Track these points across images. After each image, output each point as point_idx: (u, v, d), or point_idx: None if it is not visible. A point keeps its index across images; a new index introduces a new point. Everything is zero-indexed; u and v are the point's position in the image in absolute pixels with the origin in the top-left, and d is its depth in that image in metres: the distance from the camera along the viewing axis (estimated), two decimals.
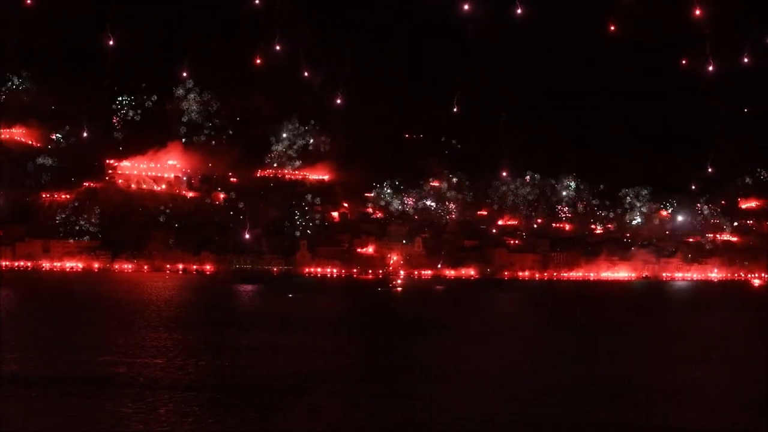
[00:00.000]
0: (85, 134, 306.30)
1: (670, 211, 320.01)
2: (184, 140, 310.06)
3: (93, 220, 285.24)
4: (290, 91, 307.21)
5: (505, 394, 77.16)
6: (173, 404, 71.69)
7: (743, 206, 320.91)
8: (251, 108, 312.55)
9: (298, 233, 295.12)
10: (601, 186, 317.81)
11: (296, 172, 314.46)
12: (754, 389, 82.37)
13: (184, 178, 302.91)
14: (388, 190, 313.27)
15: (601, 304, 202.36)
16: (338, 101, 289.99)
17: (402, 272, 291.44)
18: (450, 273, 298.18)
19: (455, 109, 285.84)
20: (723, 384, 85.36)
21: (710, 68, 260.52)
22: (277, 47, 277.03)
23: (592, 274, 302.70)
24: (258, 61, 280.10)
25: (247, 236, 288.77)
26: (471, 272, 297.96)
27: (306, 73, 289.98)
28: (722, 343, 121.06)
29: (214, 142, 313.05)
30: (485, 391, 78.33)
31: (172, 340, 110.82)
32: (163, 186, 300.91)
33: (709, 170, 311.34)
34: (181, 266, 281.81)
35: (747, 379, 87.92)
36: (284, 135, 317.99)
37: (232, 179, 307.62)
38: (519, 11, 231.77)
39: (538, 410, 71.04)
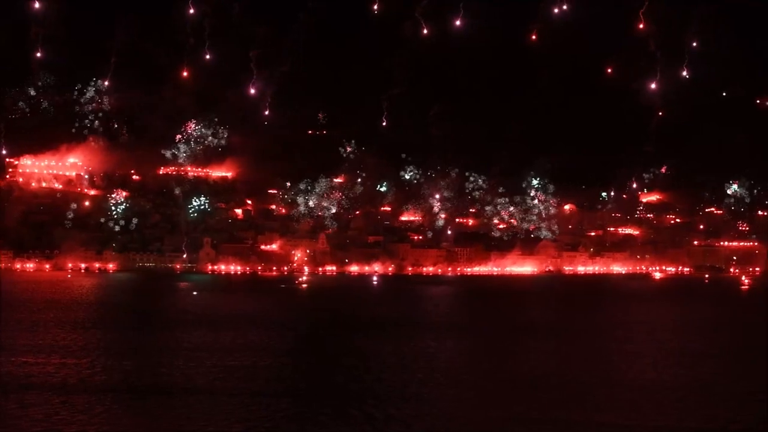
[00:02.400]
0: None
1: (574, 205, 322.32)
2: (85, 138, 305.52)
3: None
4: (196, 88, 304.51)
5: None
6: (85, 405, 69.39)
7: (644, 200, 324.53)
8: (155, 105, 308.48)
9: (201, 231, 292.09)
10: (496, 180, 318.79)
11: (199, 169, 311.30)
12: (672, 381, 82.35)
13: (86, 176, 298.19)
14: (292, 187, 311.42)
15: (514, 300, 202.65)
16: (249, 99, 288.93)
17: (306, 269, 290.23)
18: (354, 269, 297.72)
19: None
20: (636, 376, 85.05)
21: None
22: (189, 42, 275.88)
23: (495, 269, 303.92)
24: (165, 57, 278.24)
25: (150, 234, 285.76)
26: (375, 268, 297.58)
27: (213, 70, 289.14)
28: (639, 336, 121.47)
29: (116, 139, 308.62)
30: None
31: (82, 340, 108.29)
32: (65, 184, 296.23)
33: (614, 166, 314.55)
34: (83, 265, 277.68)
35: (668, 372, 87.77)
36: (187, 132, 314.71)
37: (134, 177, 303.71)
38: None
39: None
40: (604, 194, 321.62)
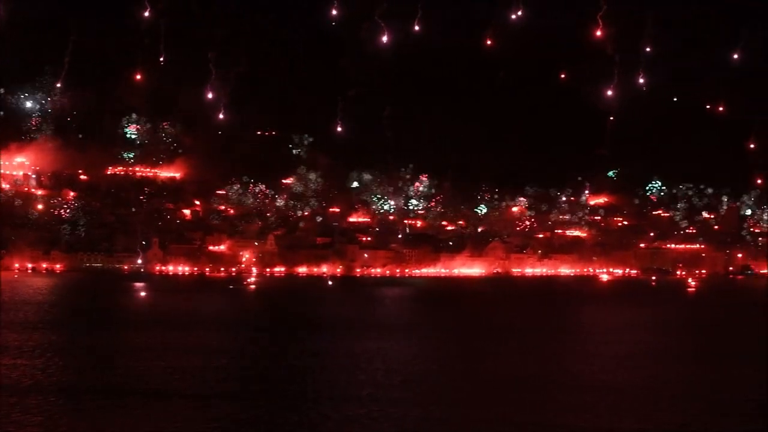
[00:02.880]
0: None
1: (524, 207, 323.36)
2: (33, 137, 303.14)
3: None
4: (150, 89, 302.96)
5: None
6: (39, 407, 68.81)
7: (592, 203, 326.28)
8: (106, 105, 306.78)
9: (149, 231, 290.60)
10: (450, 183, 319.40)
11: (147, 169, 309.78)
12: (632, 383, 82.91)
13: (33, 176, 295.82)
14: (241, 188, 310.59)
15: (465, 301, 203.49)
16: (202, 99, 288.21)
17: (254, 270, 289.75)
18: (303, 270, 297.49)
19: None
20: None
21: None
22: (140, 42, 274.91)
23: (444, 271, 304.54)
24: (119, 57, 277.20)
25: (98, 234, 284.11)
26: (324, 269, 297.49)
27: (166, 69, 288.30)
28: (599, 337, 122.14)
29: (63, 139, 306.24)
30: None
31: (33, 340, 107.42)
32: (11, 184, 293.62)
33: (563, 168, 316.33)
34: (30, 265, 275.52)
35: (621, 373, 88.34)
36: (137, 133, 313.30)
37: (82, 177, 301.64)
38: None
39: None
40: (556, 196, 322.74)
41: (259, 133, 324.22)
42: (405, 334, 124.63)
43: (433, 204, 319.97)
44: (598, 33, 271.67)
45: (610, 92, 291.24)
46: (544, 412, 68.70)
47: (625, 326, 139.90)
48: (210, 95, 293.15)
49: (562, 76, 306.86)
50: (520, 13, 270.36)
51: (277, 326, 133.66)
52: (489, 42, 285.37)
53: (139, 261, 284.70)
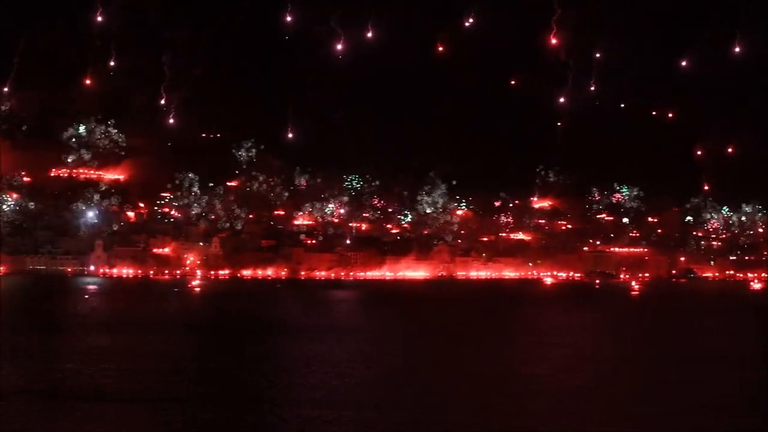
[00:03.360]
0: None
1: (469, 210, 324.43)
2: None
3: None
4: (99, 91, 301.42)
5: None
6: None
7: (536, 206, 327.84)
8: (53, 106, 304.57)
9: (93, 234, 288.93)
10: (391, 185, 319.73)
11: (92, 171, 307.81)
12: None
13: None
14: (186, 190, 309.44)
15: (412, 304, 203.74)
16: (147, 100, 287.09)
17: (199, 272, 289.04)
18: (248, 273, 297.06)
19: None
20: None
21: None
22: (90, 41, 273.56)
23: (389, 274, 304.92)
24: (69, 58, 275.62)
25: (42, 237, 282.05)
26: (269, 272, 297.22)
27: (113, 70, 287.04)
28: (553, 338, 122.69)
29: (10, 140, 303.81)
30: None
31: None
32: None
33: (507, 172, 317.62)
34: None
35: (567, 375, 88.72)
36: (81, 134, 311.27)
37: (25, 179, 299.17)
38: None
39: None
40: (501, 199, 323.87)
41: (204, 135, 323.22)
42: (354, 336, 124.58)
43: (378, 206, 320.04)
44: (551, 40, 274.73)
45: (559, 98, 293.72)
46: (496, 416, 68.82)
47: (571, 329, 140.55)
48: (158, 98, 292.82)
49: (513, 82, 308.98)
50: (472, 20, 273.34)
51: (226, 329, 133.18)
52: (441, 48, 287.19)
53: (84, 263, 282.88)
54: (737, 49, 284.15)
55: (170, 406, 70.74)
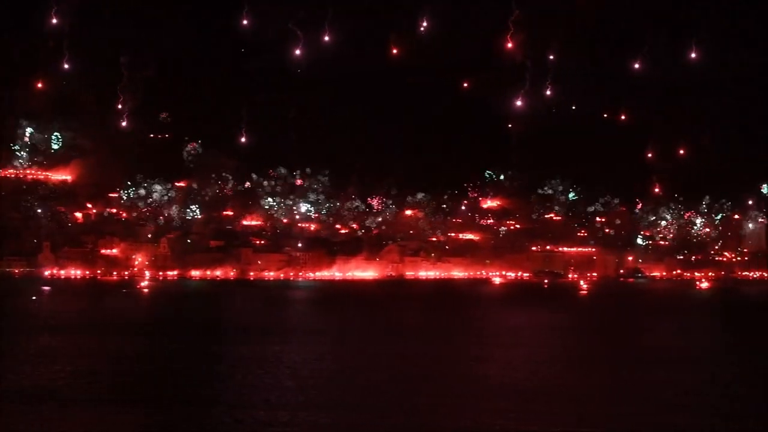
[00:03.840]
0: None
1: (418, 210, 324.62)
2: None
3: None
4: (50, 91, 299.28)
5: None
6: None
7: (485, 206, 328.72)
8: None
9: (40, 235, 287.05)
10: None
11: (38, 172, 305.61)
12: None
13: None
14: (134, 191, 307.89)
15: (365, 304, 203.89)
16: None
17: (147, 273, 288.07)
18: (196, 274, 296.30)
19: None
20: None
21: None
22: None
23: (338, 274, 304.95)
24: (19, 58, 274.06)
25: None
26: (217, 273, 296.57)
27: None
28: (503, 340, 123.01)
29: None
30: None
31: None
32: None
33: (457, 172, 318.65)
34: None
35: (518, 375, 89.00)
36: (26, 134, 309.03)
37: None
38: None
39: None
40: (450, 199, 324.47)
41: (152, 136, 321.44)
42: (305, 337, 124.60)
43: (327, 206, 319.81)
44: (505, 42, 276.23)
45: (511, 99, 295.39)
46: (454, 416, 68.95)
47: (522, 329, 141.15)
48: (107, 99, 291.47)
49: (465, 84, 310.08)
50: (426, 23, 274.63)
51: (177, 329, 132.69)
52: (396, 49, 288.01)
53: (32, 264, 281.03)
54: (693, 55, 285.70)
55: (123, 408, 70.40)
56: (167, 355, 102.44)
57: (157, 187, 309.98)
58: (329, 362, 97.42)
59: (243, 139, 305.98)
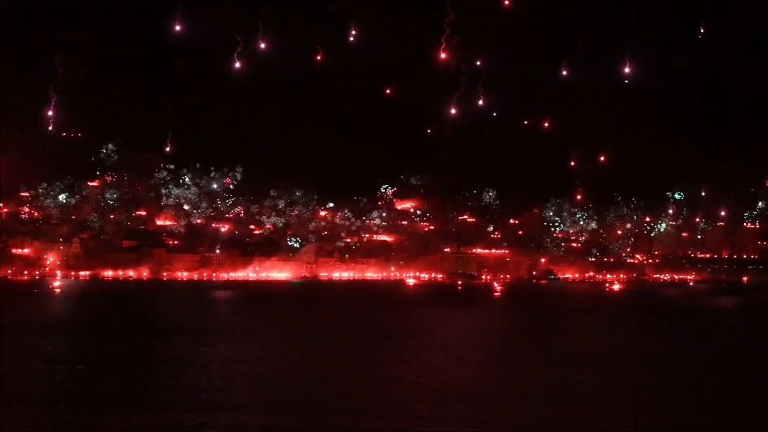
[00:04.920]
0: None
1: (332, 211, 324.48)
2: None
3: None
4: None
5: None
6: None
7: (399, 207, 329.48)
8: None
9: None
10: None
11: None
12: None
13: None
14: (46, 189, 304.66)
15: (283, 305, 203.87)
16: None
17: (59, 273, 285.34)
18: (108, 274, 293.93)
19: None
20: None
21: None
22: None
23: (252, 275, 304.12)
24: None
25: None
26: (130, 273, 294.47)
27: None
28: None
29: None
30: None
31: None
32: None
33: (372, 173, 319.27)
34: None
35: (437, 375, 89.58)
36: None
37: None
38: None
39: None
40: (364, 200, 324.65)
41: (65, 135, 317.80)
42: (221, 337, 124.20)
43: (243, 206, 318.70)
44: (428, 47, 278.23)
45: (433, 103, 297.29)
46: (367, 417, 69.33)
47: (436, 330, 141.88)
48: (22, 97, 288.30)
49: (387, 88, 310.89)
50: (354, 30, 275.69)
51: (92, 330, 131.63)
52: (322, 55, 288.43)
53: None
54: (625, 66, 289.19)
55: (36, 410, 69.87)
56: (82, 356, 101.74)
57: (70, 187, 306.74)
58: (248, 363, 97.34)
59: (159, 139, 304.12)
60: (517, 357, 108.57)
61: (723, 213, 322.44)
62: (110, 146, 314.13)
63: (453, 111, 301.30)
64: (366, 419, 67.94)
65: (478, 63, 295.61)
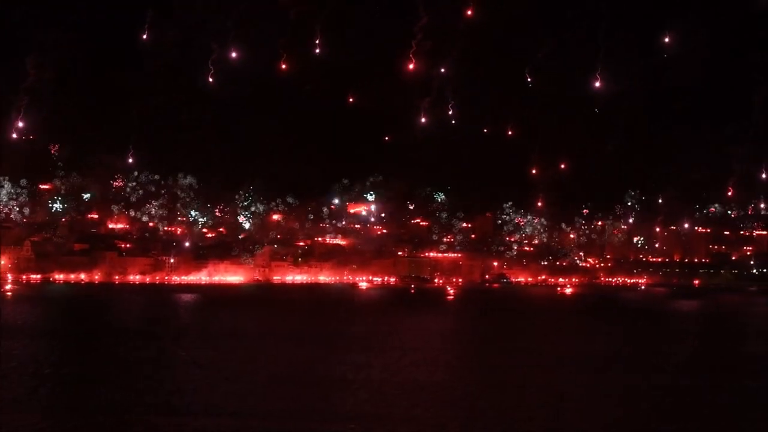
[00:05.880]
0: None
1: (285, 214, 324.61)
2: None
3: None
4: None
5: None
6: None
7: (352, 210, 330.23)
8: None
9: None
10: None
11: None
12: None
13: None
14: None
15: (234, 307, 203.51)
16: None
17: (10, 276, 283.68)
18: (60, 277, 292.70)
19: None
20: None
21: None
22: None
23: (205, 278, 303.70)
24: None
25: None
26: (82, 276, 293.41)
27: None
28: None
29: None
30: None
31: None
32: None
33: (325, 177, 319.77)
34: None
35: (402, 376, 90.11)
36: None
37: None
38: None
39: None
40: (317, 204, 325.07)
41: (15, 137, 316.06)
42: (178, 340, 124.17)
43: (194, 210, 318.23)
44: (389, 55, 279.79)
45: (392, 110, 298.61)
46: (324, 420, 69.72)
47: (391, 333, 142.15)
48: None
49: (345, 96, 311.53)
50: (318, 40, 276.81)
51: (42, 334, 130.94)
52: (286, 63, 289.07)
53: None
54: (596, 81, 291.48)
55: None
56: (35, 357, 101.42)
57: (22, 189, 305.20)
58: (209, 366, 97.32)
59: (112, 143, 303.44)
60: (467, 359, 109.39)
61: (675, 218, 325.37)
62: (62, 149, 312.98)
63: (409, 117, 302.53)
64: (321, 422, 68.47)
65: (435, 70, 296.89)
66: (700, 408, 76.82)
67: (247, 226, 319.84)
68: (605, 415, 72.96)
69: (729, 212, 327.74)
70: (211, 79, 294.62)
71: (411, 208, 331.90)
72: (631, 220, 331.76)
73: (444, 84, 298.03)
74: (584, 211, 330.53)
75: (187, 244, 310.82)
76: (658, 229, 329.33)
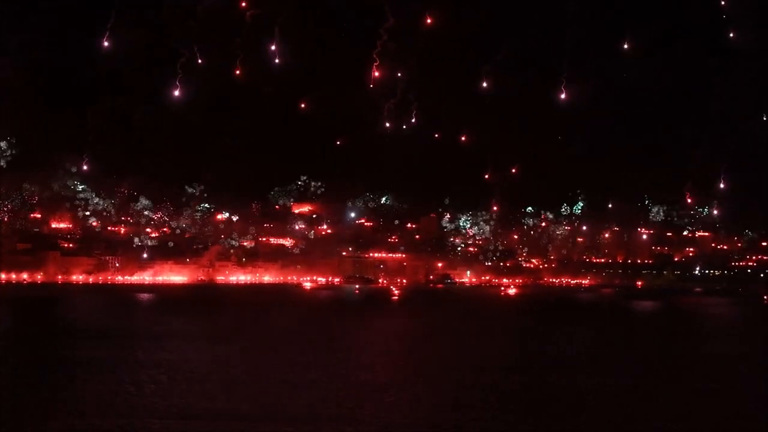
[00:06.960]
0: None
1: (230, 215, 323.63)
2: None
3: None
4: None
5: None
6: None
7: (296, 211, 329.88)
8: None
9: None
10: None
11: None
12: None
13: None
14: None
15: (178, 307, 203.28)
16: None
17: None
18: (2, 277, 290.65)
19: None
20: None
21: None
22: None
23: (148, 278, 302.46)
24: None
25: None
26: (24, 276, 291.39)
27: None
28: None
29: None
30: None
31: None
32: None
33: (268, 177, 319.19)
34: None
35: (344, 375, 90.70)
36: None
37: None
38: None
39: None
40: (262, 204, 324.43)
41: None
42: (127, 341, 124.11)
43: (138, 210, 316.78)
44: (338, 58, 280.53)
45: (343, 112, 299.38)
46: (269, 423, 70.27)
47: (339, 334, 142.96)
48: None
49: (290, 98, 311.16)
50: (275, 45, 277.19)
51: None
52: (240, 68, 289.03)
53: None
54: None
55: None
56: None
57: None
58: (164, 368, 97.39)
59: (56, 141, 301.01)
60: (414, 360, 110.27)
61: (619, 220, 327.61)
62: (3, 145, 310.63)
63: (354, 117, 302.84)
64: (276, 422, 69.07)
65: (389, 74, 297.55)
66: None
67: (192, 226, 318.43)
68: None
69: (673, 214, 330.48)
70: (177, 83, 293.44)
71: (355, 208, 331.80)
72: (575, 221, 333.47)
73: (395, 88, 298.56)
74: (529, 211, 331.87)
75: (132, 244, 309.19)
76: (602, 231, 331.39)
